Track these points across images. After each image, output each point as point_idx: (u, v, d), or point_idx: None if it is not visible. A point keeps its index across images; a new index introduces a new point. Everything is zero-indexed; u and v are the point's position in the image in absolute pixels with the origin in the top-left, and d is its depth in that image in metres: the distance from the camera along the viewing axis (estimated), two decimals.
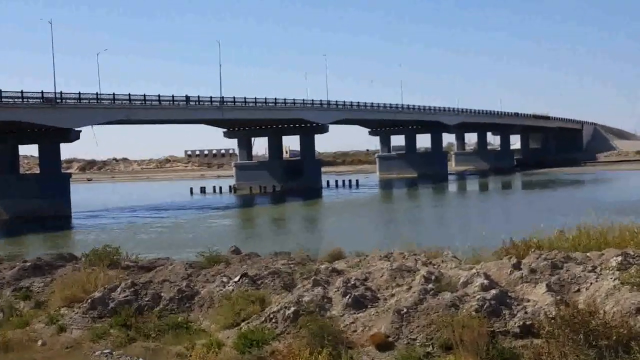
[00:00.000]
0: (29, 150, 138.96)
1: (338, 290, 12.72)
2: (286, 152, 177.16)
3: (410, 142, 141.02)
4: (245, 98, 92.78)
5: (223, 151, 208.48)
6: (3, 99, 65.37)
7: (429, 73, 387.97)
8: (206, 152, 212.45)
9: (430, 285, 12.19)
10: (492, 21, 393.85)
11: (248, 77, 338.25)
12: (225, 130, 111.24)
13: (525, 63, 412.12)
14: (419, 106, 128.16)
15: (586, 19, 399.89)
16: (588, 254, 13.56)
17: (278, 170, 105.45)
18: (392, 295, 12.45)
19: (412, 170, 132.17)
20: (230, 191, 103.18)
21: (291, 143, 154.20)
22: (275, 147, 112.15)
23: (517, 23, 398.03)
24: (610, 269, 11.97)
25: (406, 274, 13.46)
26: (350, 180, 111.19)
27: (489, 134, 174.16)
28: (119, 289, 14.71)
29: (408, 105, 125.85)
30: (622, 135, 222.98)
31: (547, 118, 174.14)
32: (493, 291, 11.48)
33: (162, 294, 14.50)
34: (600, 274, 11.89)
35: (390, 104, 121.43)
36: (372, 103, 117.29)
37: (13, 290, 17.26)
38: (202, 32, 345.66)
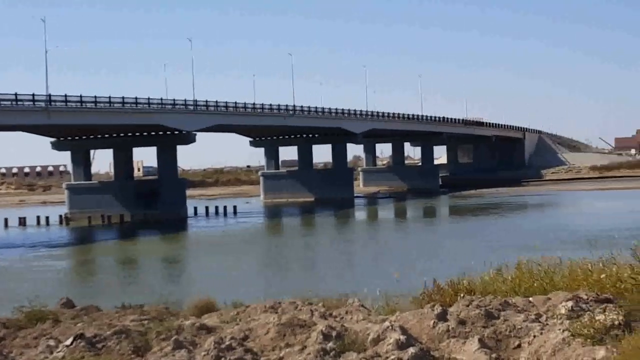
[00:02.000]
0: None
1: (208, 354, 12.59)
2: (138, 170, 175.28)
3: (305, 155, 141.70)
4: (81, 96, 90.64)
5: (51, 168, 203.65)
6: None
7: (329, 66, 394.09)
8: (27, 169, 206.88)
9: (331, 344, 12.25)
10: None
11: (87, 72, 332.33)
12: (53, 140, 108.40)
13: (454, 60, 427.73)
14: (315, 108, 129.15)
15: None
16: (531, 298, 13.99)
17: (127, 193, 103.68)
18: (281, 358, 12.45)
19: (308, 192, 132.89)
20: (61, 222, 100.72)
21: (145, 157, 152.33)
22: (123, 162, 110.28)
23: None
24: (559, 317, 12.38)
25: (299, 329, 13.48)
26: (225, 207, 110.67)
27: (407, 145, 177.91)
28: None
29: (302, 107, 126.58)
30: (573, 146, 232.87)
31: (480, 124, 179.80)
32: (411, 350, 11.64)
33: None
34: (546, 324, 12.27)
35: (279, 106, 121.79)
36: (253, 104, 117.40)
37: None
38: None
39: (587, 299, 13.01)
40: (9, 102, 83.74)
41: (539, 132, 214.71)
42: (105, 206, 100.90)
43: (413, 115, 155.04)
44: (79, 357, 13.42)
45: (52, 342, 14.46)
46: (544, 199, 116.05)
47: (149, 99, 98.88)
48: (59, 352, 13.91)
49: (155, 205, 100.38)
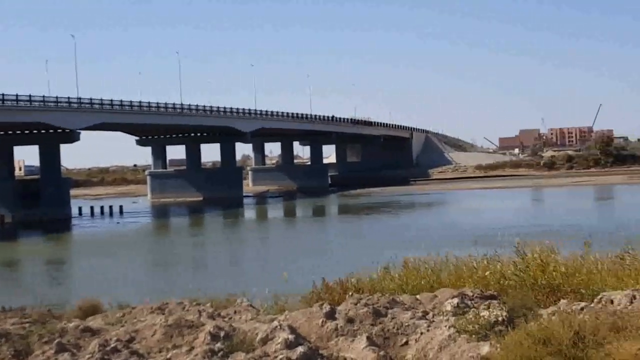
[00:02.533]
0: None
1: (92, 357, 12.33)
2: (20, 169, 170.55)
3: (193, 154, 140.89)
4: None
5: None
6: None
7: (219, 64, 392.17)
8: None
9: (219, 345, 12.15)
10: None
11: None
12: None
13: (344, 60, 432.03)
14: (203, 106, 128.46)
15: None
16: (418, 296, 14.20)
17: (7, 193, 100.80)
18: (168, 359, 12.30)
19: (196, 192, 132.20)
20: None
21: (27, 156, 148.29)
22: (3, 161, 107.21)
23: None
24: (445, 314, 12.61)
25: (187, 330, 13.34)
26: (111, 207, 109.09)
27: (296, 144, 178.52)
28: None
29: (190, 105, 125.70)
30: (459, 146, 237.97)
31: (369, 124, 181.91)
32: (300, 349, 11.65)
33: None
34: (433, 321, 12.47)
35: (166, 104, 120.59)
36: (140, 102, 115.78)
37: None
38: None
39: (473, 295, 13.28)
40: None
41: (426, 131, 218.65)
42: None
43: (302, 114, 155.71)
44: None
45: None
46: (431, 198, 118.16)
47: (30, 96, 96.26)
48: None
49: (38, 205, 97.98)
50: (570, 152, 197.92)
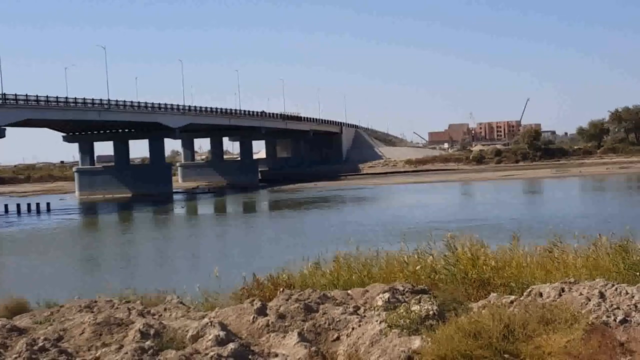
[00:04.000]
0: None
1: (20, 357, 12.08)
2: None
3: (121, 150, 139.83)
4: None
5: None
6: None
7: (146, 59, 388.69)
8: None
9: (149, 343, 12.02)
10: None
11: None
12: None
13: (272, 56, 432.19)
14: (131, 102, 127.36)
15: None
16: (349, 291, 14.23)
17: None
18: (97, 358, 12.11)
19: (125, 188, 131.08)
20: None
21: None
22: None
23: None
24: (376, 309, 12.65)
25: (116, 328, 13.16)
26: (38, 204, 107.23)
27: (226, 140, 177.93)
28: None
29: (117, 101, 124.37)
30: (389, 141, 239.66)
31: (298, 119, 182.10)
32: (231, 345, 11.59)
33: None
34: (364, 315, 12.51)
35: (93, 100, 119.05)
36: (66, 98, 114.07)
37: None
38: None
39: (404, 290, 13.35)
40: None
41: (356, 126, 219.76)
42: None
43: (231, 109, 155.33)
44: None
45: None
46: (361, 193, 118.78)
47: None
48: None
49: None
50: (499, 146, 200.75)
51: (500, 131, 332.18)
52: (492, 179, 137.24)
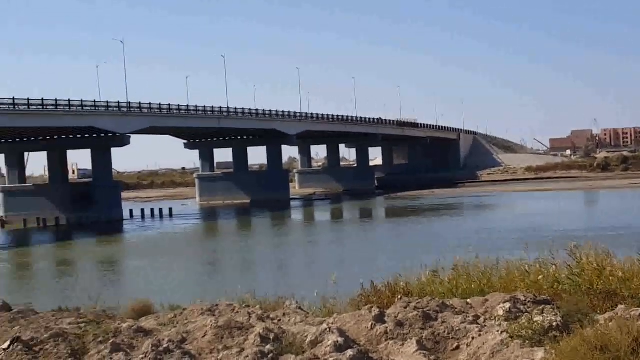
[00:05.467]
0: None
1: (146, 357, 12.34)
2: (73, 172, 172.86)
3: (240, 157, 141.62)
4: (13, 98, 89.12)
5: None
6: None
7: (264, 67, 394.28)
8: None
9: (269, 347, 12.10)
10: None
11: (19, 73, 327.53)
12: None
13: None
14: (249, 110, 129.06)
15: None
16: (469, 300, 14.00)
17: (62, 196, 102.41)
18: None
19: (244, 194, 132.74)
20: None
21: (80, 159, 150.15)
22: (57, 165, 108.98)
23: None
24: (497, 318, 12.40)
25: (237, 332, 13.30)
26: (161, 210, 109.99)
27: (342, 147, 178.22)
28: None
29: (236, 108, 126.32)
30: (508, 147, 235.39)
31: (414, 125, 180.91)
32: (350, 352, 11.55)
33: None
34: (485, 325, 12.28)
35: (213, 107, 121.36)
36: (187, 106, 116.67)
37: None
38: None
39: (525, 300, 13.04)
40: None
41: (474, 133, 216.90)
42: (40, 209, 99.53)
43: (347, 116, 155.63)
44: None
45: None
46: (479, 200, 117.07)
47: (82, 101, 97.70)
48: None
49: (91, 208, 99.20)
50: (625, 153, 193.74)
51: (627, 138, 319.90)
52: (619, 187, 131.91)
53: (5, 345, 13.79)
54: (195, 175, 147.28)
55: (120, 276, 54.78)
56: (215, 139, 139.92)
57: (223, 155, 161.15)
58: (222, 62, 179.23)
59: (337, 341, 11.98)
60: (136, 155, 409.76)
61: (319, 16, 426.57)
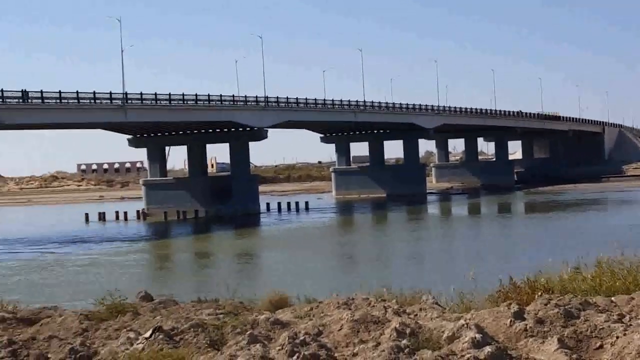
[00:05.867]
0: None
1: (282, 349, 12.54)
2: (212, 166, 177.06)
3: (376, 151, 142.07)
4: (156, 94, 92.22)
5: (128, 165, 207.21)
6: None
7: (400, 60, 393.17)
8: (106, 166, 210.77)
9: (405, 341, 12.10)
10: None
11: (158, 70, 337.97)
12: (130, 137, 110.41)
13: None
14: (386, 103, 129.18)
15: None
16: (613, 298, 13.66)
17: (201, 189, 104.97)
18: (355, 354, 12.34)
19: (380, 188, 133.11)
20: (138, 218, 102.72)
21: (219, 153, 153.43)
22: (196, 159, 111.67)
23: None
24: None
25: (373, 326, 13.36)
26: (297, 203, 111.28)
27: (480, 140, 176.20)
28: None
29: (372, 102, 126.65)
30: None
31: (556, 118, 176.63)
32: (488, 348, 11.44)
33: (49, 355, 14.12)
34: (630, 324, 11.95)
35: (349, 101, 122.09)
36: (324, 100, 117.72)
37: None
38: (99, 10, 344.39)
39: None
40: (88, 100, 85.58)
41: (620, 125, 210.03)
42: (180, 202, 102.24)
43: (486, 109, 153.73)
44: (158, 349, 13.53)
45: (132, 334, 14.61)
46: (626, 196, 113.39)
47: (221, 96, 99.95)
48: (138, 343, 14.04)
49: (228, 201, 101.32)
50: None
51: None
52: None
53: (148, 334, 14.31)
54: (331, 169, 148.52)
55: (256, 268, 55.73)
56: (351, 133, 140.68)
57: (359, 149, 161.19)
58: (358, 56, 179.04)
59: (475, 337, 11.88)
60: (272, 149, 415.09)
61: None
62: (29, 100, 79.34)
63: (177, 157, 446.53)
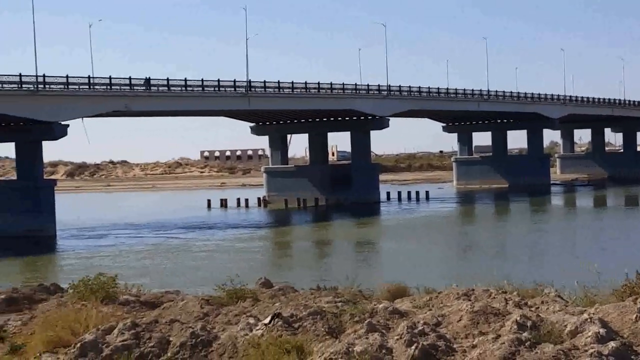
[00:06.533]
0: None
1: (401, 338, 12.59)
2: (333, 154, 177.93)
3: (499, 141, 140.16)
4: (279, 82, 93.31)
5: (250, 152, 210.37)
6: None
7: (523, 51, 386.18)
8: (228, 153, 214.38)
9: (526, 334, 11.98)
10: None
11: (281, 60, 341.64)
12: (253, 124, 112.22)
13: None
14: (510, 93, 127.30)
15: None
16: None
17: (322, 178, 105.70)
18: (474, 346, 12.28)
19: (502, 178, 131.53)
20: (259, 205, 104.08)
21: (340, 142, 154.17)
22: (318, 147, 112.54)
23: None
24: None
25: (493, 318, 13.27)
26: (418, 192, 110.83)
27: (607, 131, 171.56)
28: (115, 331, 14.77)
29: (496, 91, 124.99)
30: None
31: None
32: (612, 344, 11.23)
33: (170, 339, 14.53)
34: None
35: (473, 90, 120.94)
36: (447, 89, 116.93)
37: None
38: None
39: None
40: (212, 89, 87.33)
41: None
42: (300, 189, 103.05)
43: (614, 99, 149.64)
44: (277, 336, 13.76)
45: (251, 320, 14.89)
46: None
47: (343, 84, 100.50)
48: (258, 329, 14.31)
49: (349, 190, 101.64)
50: None
51: None
52: None
53: (267, 320, 14.56)
54: (452, 159, 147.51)
55: (375, 257, 55.82)
56: (474, 123, 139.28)
57: (481, 138, 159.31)
58: (483, 44, 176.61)
59: (599, 332, 11.68)
60: (394, 138, 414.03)
61: None
62: (155, 88, 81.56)
63: (299, 145, 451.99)
